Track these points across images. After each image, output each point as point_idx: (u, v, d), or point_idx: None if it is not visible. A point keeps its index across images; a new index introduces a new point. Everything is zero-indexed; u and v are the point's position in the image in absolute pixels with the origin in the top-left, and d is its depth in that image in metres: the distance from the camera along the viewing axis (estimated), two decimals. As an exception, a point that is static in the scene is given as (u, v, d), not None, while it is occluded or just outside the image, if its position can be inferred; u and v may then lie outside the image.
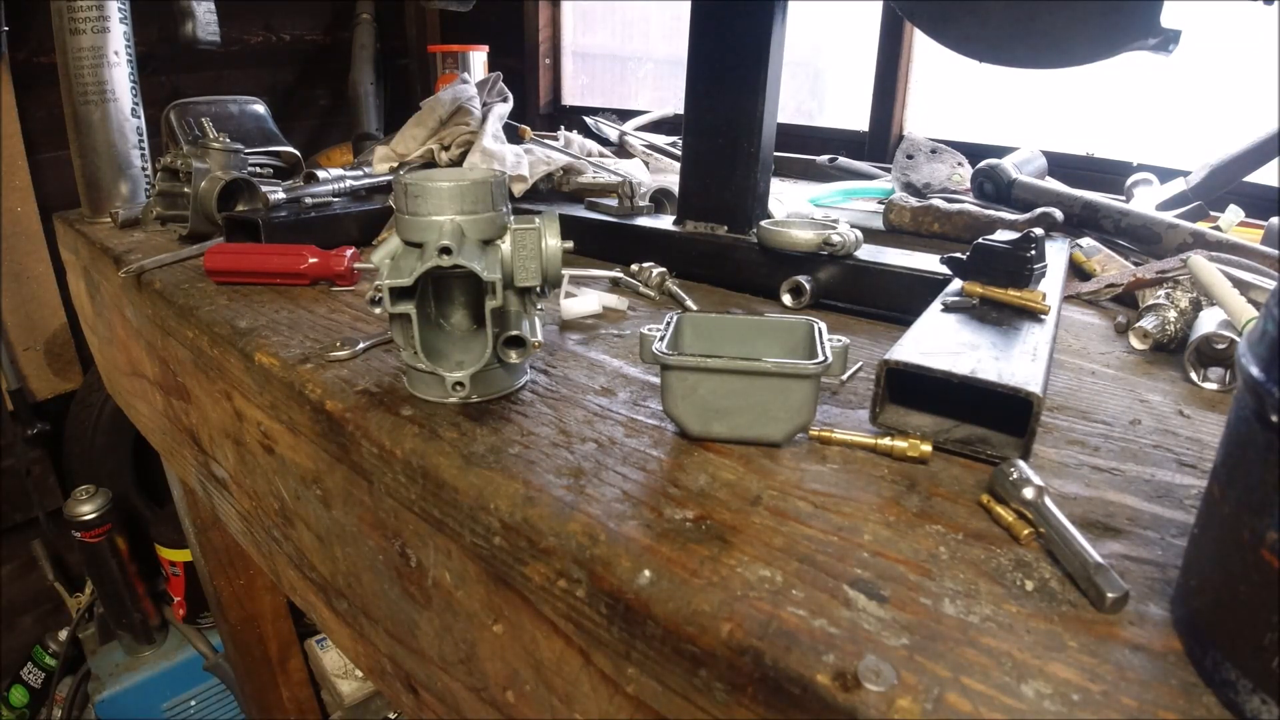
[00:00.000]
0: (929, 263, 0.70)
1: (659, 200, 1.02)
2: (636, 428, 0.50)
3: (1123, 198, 1.08)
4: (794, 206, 1.12)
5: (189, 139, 1.32)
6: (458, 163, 1.05)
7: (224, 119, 1.44)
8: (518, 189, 1.01)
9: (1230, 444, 0.30)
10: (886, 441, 0.46)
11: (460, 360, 0.51)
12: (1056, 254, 0.71)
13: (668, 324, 0.51)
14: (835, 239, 0.71)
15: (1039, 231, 0.60)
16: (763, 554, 0.38)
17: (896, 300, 0.70)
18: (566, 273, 0.73)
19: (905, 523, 0.40)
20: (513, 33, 2.10)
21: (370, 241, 0.95)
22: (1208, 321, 0.61)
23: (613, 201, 0.95)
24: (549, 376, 0.59)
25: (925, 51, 1.47)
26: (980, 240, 0.60)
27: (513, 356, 0.50)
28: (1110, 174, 1.23)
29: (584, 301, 0.71)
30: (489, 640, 0.48)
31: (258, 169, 1.07)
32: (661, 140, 1.46)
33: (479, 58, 1.69)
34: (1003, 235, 0.61)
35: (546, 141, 1.20)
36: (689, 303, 0.74)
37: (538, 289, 0.54)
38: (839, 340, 0.48)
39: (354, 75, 2.03)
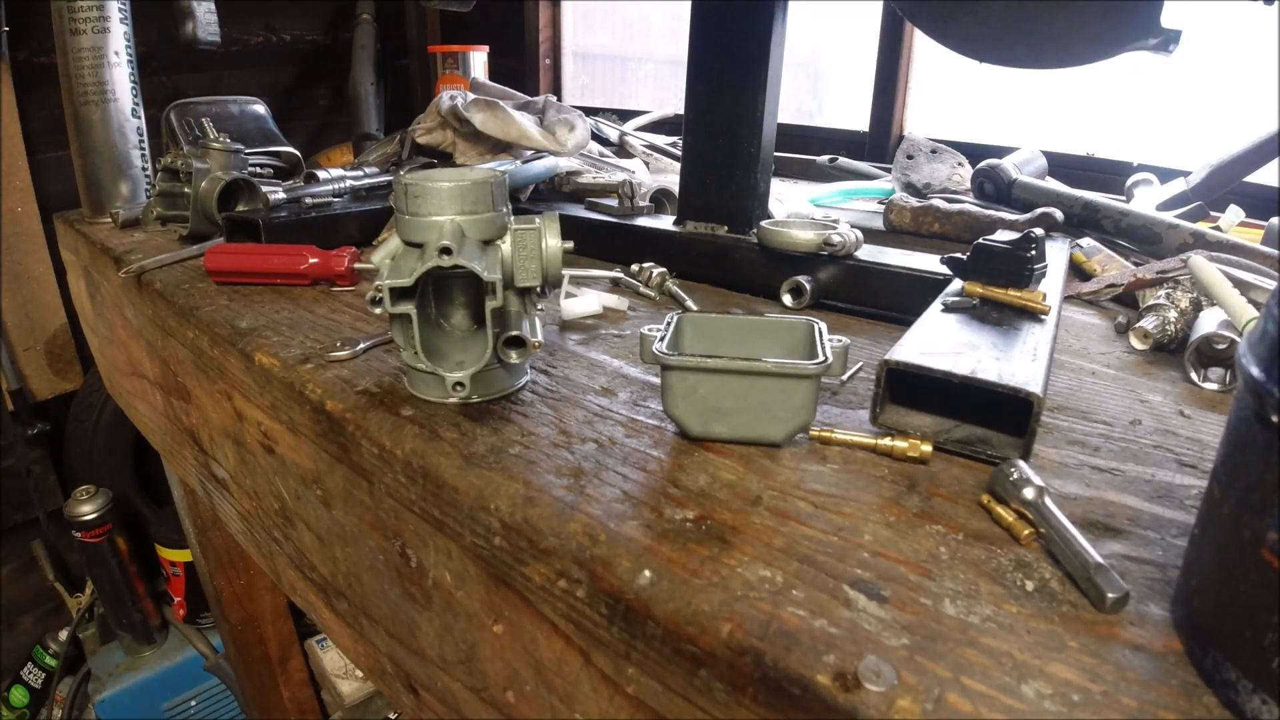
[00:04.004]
0: (929, 263, 0.70)
1: (659, 200, 1.02)
2: (637, 428, 0.50)
3: (1123, 198, 1.08)
4: (794, 206, 1.12)
5: (189, 139, 1.32)
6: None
7: (224, 119, 1.44)
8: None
9: (1230, 444, 0.30)
10: (887, 442, 0.46)
11: (460, 360, 0.51)
12: (1057, 254, 0.71)
13: (668, 324, 0.51)
14: (835, 239, 0.71)
15: (1039, 232, 0.60)
16: (763, 554, 0.38)
17: (897, 300, 0.70)
18: (567, 273, 0.74)
19: (905, 523, 0.40)
20: (513, 33, 2.10)
21: (370, 242, 0.95)
22: (1208, 322, 0.61)
23: (613, 201, 0.95)
24: (549, 377, 0.59)
25: (925, 51, 1.47)
26: (980, 240, 0.60)
27: (513, 357, 0.50)
28: (1110, 174, 1.23)
29: (584, 302, 0.71)
30: (489, 640, 0.48)
31: (258, 169, 1.07)
32: (661, 140, 1.46)
33: (479, 58, 1.69)
34: (1003, 235, 0.61)
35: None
36: (689, 303, 0.74)
37: (538, 289, 0.54)
38: (839, 340, 0.48)
39: (354, 75, 2.03)
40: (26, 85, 1.68)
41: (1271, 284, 0.68)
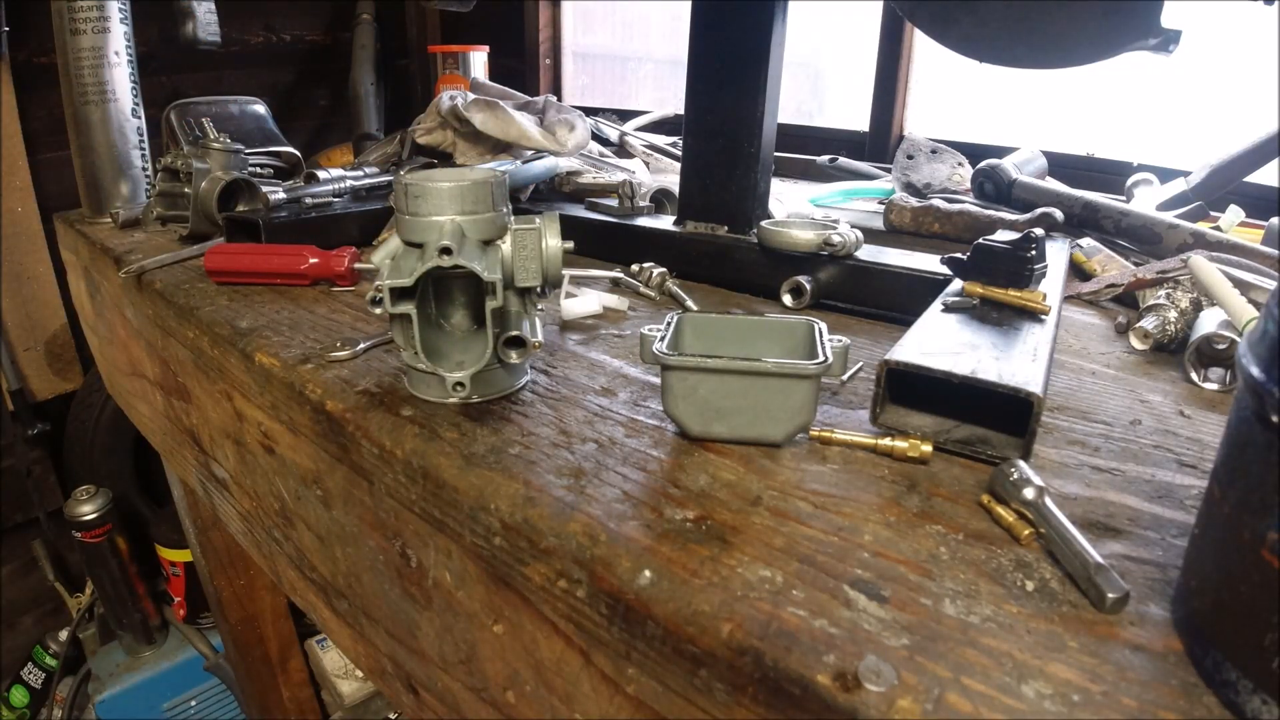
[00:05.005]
0: (929, 263, 0.70)
1: (659, 200, 1.02)
2: (637, 428, 0.50)
3: (1123, 198, 1.08)
4: (794, 206, 1.12)
5: (189, 139, 1.32)
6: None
7: (224, 119, 1.44)
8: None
9: (1230, 444, 0.30)
10: (887, 442, 0.46)
11: (460, 360, 0.51)
12: (1057, 254, 0.71)
13: (668, 324, 0.51)
14: (835, 239, 0.71)
15: (1039, 232, 0.60)
16: (763, 554, 0.38)
17: (897, 300, 0.70)
18: (567, 273, 0.74)
19: (905, 523, 0.40)
20: (513, 33, 2.10)
21: (370, 242, 0.95)
22: (1208, 322, 0.61)
23: (613, 202, 0.95)
24: (549, 377, 0.59)
25: (925, 51, 1.47)
26: (980, 240, 0.60)
27: (513, 357, 0.50)
28: (1110, 174, 1.23)
29: (584, 302, 0.71)
30: (489, 640, 0.48)
31: (258, 169, 1.07)
32: (661, 140, 1.46)
33: (479, 58, 1.69)
34: (1003, 235, 0.61)
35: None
36: (689, 303, 0.74)
37: (538, 289, 0.54)
38: (839, 340, 0.48)
39: (354, 75, 2.03)
40: (26, 85, 1.68)
41: (1271, 284, 0.68)
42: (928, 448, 0.45)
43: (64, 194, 1.65)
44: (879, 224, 1.05)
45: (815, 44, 1.76)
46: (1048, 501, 0.39)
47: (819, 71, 1.81)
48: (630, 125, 1.57)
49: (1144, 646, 0.32)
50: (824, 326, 0.50)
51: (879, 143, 1.54)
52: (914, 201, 1.02)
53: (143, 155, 1.15)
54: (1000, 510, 0.40)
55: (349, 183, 1.01)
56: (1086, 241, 0.87)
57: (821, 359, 0.45)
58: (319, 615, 0.72)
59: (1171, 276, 0.72)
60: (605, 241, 0.88)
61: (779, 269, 0.75)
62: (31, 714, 1.82)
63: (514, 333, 0.50)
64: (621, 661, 0.39)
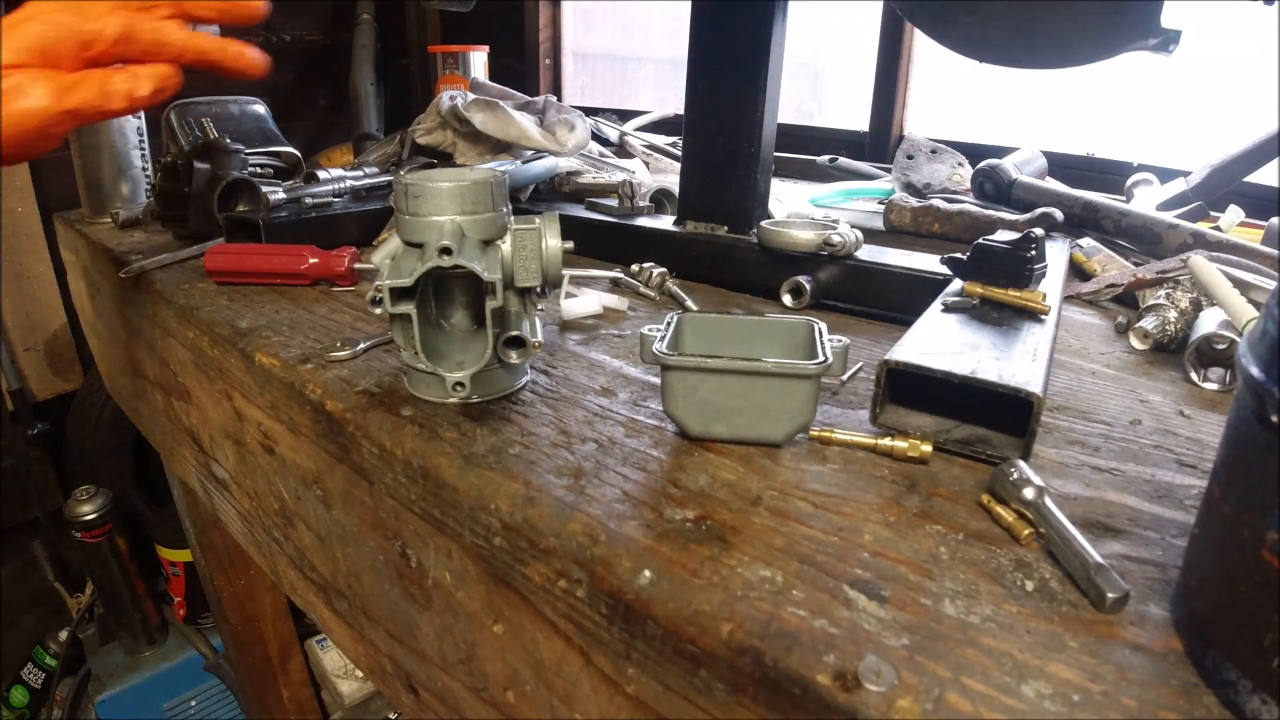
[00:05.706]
0: (929, 263, 0.70)
1: (659, 200, 1.02)
2: (637, 428, 0.51)
3: (1123, 198, 1.08)
4: (794, 206, 1.12)
5: (189, 139, 1.32)
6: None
7: (224, 119, 1.44)
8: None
9: (1230, 444, 0.30)
10: (887, 442, 0.46)
11: (460, 360, 0.51)
12: (1057, 254, 0.71)
13: (668, 324, 0.51)
14: (835, 239, 0.71)
15: (1039, 232, 0.60)
16: (763, 554, 0.38)
17: (897, 300, 0.70)
18: (567, 273, 0.74)
19: (905, 523, 0.40)
20: (513, 33, 2.10)
21: (370, 242, 0.95)
22: (1208, 322, 0.61)
23: (613, 202, 0.95)
24: (549, 377, 0.59)
25: (925, 51, 1.47)
26: (980, 240, 0.60)
27: (513, 357, 0.50)
28: (1110, 174, 1.23)
29: (584, 302, 0.71)
30: (489, 640, 0.48)
31: (258, 169, 1.07)
32: (661, 140, 1.46)
33: (479, 58, 1.69)
34: (1003, 235, 0.61)
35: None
36: (689, 303, 0.74)
37: (538, 289, 0.54)
38: (839, 340, 0.48)
39: (354, 75, 2.03)
40: (27, 85, 1.68)
41: (1271, 284, 0.68)
42: (928, 448, 0.45)
43: (64, 194, 1.65)
44: (879, 224, 1.05)
45: (815, 44, 1.76)
46: (1048, 501, 0.39)
47: (819, 71, 1.81)
48: (630, 125, 1.57)
49: (1144, 646, 0.32)
50: (824, 326, 0.50)
51: (879, 143, 1.53)
52: (914, 201, 1.02)
53: (143, 155, 1.15)
54: (1000, 510, 0.40)
55: (349, 183, 1.01)
56: (1086, 241, 0.87)
57: (821, 359, 0.45)
58: (319, 615, 0.72)
59: (1171, 276, 0.72)
60: (605, 241, 0.88)
61: (779, 269, 0.75)
62: (31, 714, 1.82)
63: (514, 333, 0.50)
64: (621, 661, 0.39)
